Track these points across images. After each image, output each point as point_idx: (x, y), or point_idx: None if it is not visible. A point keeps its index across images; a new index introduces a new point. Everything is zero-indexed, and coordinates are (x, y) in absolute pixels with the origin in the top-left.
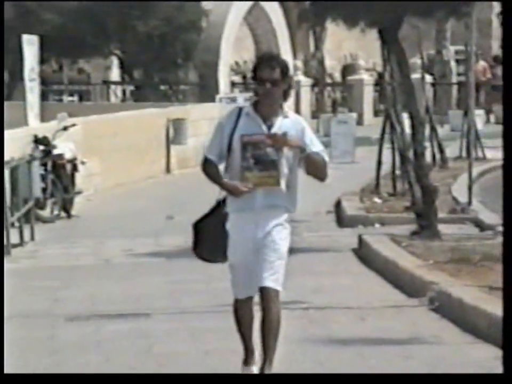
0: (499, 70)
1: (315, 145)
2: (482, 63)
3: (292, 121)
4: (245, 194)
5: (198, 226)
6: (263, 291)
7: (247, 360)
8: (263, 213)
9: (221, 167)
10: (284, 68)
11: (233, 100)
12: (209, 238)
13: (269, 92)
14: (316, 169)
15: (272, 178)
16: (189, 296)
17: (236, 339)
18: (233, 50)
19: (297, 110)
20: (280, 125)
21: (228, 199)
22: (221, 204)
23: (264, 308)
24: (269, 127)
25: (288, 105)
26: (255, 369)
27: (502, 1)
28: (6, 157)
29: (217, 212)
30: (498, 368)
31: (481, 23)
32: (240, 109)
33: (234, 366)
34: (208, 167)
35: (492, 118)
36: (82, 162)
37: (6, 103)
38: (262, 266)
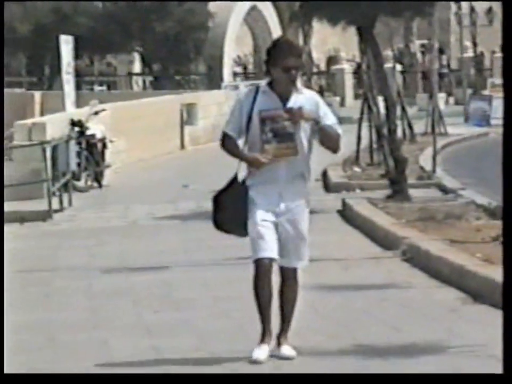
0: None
1: (329, 118)
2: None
3: (306, 96)
4: (265, 165)
5: (217, 199)
6: (284, 270)
7: (263, 339)
8: (286, 184)
9: (240, 142)
10: (301, 53)
11: (235, 87)
12: (229, 210)
13: (294, 77)
14: (329, 140)
15: (290, 149)
16: (202, 251)
17: (241, 288)
18: (235, 46)
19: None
20: (295, 100)
21: (250, 172)
22: (237, 176)
23: (284, 284)
24: (285, 103)
25: None
26: (266, 351)
27: (502, 1)
28: (48, 137)
29: (236, 185)
30: (458, 308)
31: (441, 21)
32: (258, 88)
33: (239, 310)
34: (227, 142)
35: (452, 99)
36: (111, 141)
37: (47, 92)
38: (283, 246)
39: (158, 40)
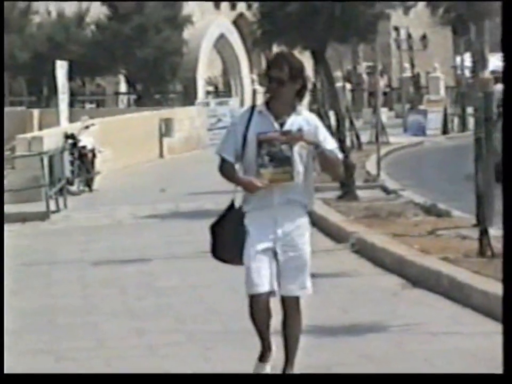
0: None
1: (329, 143)
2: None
3: (304, 119)
4: (260, 189)
5: (215, 229)
6: (285, 300)
7: (263, 357)
8: (281, 209)
9: (237, 166)
10: (294, 67)
11: (207, 103)
12: (226, 239)
13: (276, 91)
14: (330, 166)
15: (286, 174)
16: (179, 245)
17: (215, 276)
18: (207, 68)
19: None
20: (292, 122)
21: (245, 198)
22: (234, 203)
23: (287, 315)
24: (281, 125)
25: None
26: (268, 368)
27: (502, 1)
28: (45, 149)
29: (232, 212)
30: (399, 292)
31: (383, 46)
32: (253, 108)
33: (214, 296)
34: (225, 168)
35: (392, 113)
36: (99, 151)
37: (45, 110)
38: (283, 274)
39: (140, 64)
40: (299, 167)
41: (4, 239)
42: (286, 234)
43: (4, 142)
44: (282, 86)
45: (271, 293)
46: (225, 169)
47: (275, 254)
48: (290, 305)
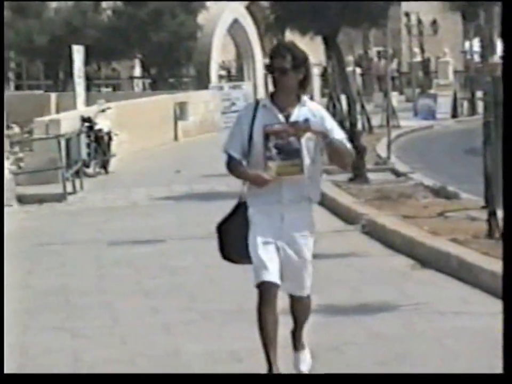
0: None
1: (336, 132)
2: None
3: (310, 110)
4: (268, 183)
5: (222, 229)
6: (293, 297)
7: (271, 371)
8: (290, 205)
9: (244, 163)
10: (297, 57)
11: (220, 87)
12: (235, 238)
13: (278, 80)
14: (339, 156)
15: (295, 166)
16: (192, 226)
17: None
18: (220, 53)
19: (267, 94)
20: (298, 114)
21: (252, 194)
22: (241, 202)
23: (294, 300)
24: (286, 117)
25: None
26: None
27: (502, 1)
28: (62, 131)
29: (240, 211)
30: (408, 272)
31: (393, 31)
32: (258, 102)
33: (225, 276)
34: (232, 165)
35: (403, 97)
36: (116, 134)
37: (62, 94)
38: (285, 274)
39: (155, 48)
40: (307, 159)
41: (3, 240)
42: (290, 233)
43: (4, 143)
44: (285, 75)
45: (277, 286)
46: (233, 166)
47: (278, 249)
48: (296, 300)
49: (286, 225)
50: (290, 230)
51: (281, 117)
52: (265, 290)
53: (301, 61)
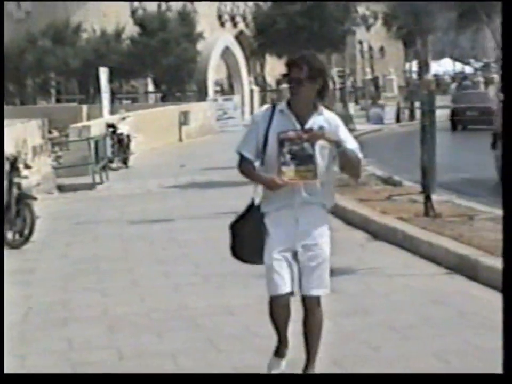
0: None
1: (350, 142)
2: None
3: (325, 118)
4: (281, 187)
5: (235, 228)
6: (306, 299)
7: (279, 352)
8: (302, 209)
9: (257, 164)
10: (313, 67)
11: (215, 100)
12: (247, 239)
13: (295, 90)
14: (351, 165)
15: (309, 172)
16: (196, 209)
17: (227, 231)
18: (215, 73)
19: (252, 105)
20: (313, 121)
21: (265, 198)
22: (254, 202)
23: (307, 313)
24: (302, 124)
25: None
26: (283, 364)
27: (502, 1)
28: (92, 135)
29: (253, 211)
30: (364, 244)
31: (350, 55)
32: (274, 107)
33: (226, 247)
34: (245, 166)
35: (358, 107)
36: (134, 137)
37: (91, 105)
38: (305, 273)
39: (164, 69)
40: (322, 165)
41: (3, 243)
42: (306, 235)
43: (3, 143)
44: (301, 86)
45: (291, 293)
46: (245, 167)
47: (295, 254)
48: (311, 304)
49: (302, 228)
50: (306, 231)
51: (297, 124)
52: (275, 304)
53: (317, 72)
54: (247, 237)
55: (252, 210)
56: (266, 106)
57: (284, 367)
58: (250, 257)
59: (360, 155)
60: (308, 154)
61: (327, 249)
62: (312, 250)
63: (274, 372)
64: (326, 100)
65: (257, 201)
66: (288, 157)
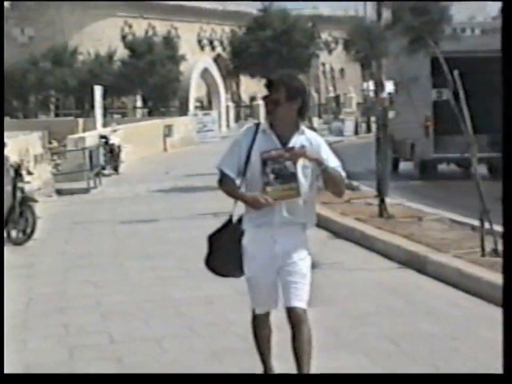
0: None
1: (331, 160)
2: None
3: (307, 138)
4: (265, 206)
5: (212, 239)
6: (291, 311)
7: (266, 371)
8: (281, 228)
9: (237, 182)
10: (291, 88)
11: (196, 115)
12: (222, 252)
13: (273, 111)
14: (334, 183)
15: (293, 190)
16: (179, 210)
17: (207, 231)
18: (196, 91)
19: (228, 119)
20: (295, 141)
21: (245, 215)
22: (232, 218)
23: (294, 328)
24: (284, 144)
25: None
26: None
27: (502, 1)
28: (87, 145)
29: (230, 227)
30: (326, 241)
31: (314, 75)
32: (257, 126)
33: (205, 244)
34: (225, 183)
35: (322, 120)
36: (124, 147)
37: (86, 119)
38: (285, 288)
39: (150, 87)
40: (303, 184)
41: (3, 246)
42: (285, 253)
43: (4, 145)
44: (278, 106)
45: (271, 311)
46: (225, 184)
47: (276, 271)
48: (295, 319)
49: (279, 248)
50: (284, 251)
51: (278, 144)
52: (258, 319)
53: (295, 92)
54: (222, 251)
55: (230, 226)
56: (248, 125)
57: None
58: (222, 270)
59: (343, 173)
60: (290, 173)
61: (306, 267)
62: (290, 267)
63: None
64: (306, 119)
65: (234, 218)
66: (271, 176)
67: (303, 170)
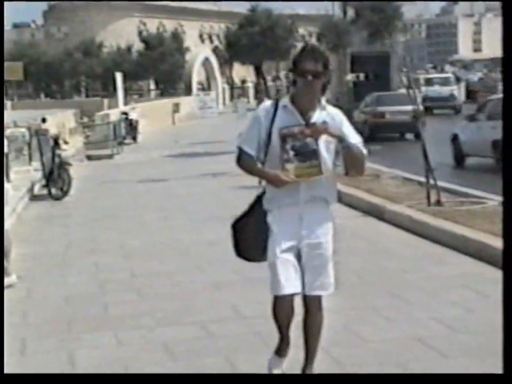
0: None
1: (353, 137)
2: None
3: (329, 113)
4: (286, 184)
5: (237, 226)
6: (307, 298)
7: (280, 350)
8: (306, 206)
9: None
10: (326, 60)
11: (198, 95)
12: (250, 236)
13: (311, 84)
14: (355, 160)
15: (314, 168)
16: (186, 172)
17: (213, 187)
18: (197, 76)
19: (224, 98)
20: (318, 117)
21: (268, 195)
22: (259, 199)
23: (308, 314)
24: (306, 120)
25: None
26: (284, 363)
27: (502, 1)
28: (111, 120)
29: (257, 209)
30: (355, 219)
31: None
32: (277, 102)
33: (209, 198)
34: (244, 160)
35: None
36: (140, 121)
37: (110, 99)
38: (308, 272)
39: (162, 73)
40: (327, 161)
41: (3, 246)
42: (311, 233)
43: (4, 143)
44: (316, 79)
45: (295, 293)
46: (245, 162)
47: (299, 252)
48: (312, 304)
49: (305, 226)
50: (310, 230)
51: (301, 119)
52: (279, 304)
53: (328, 64)
54: (250, 235)
55: (255, 208)
56: (269, 102)
57: (284, 366)
58: (253, 256)
59: (364, 150)
60: (311, 150)
61: (330, 249)
62: (315, 249)
63: (275, 371)
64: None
65: (259, 196)
66: (291, 153)
67: (326, 146)
